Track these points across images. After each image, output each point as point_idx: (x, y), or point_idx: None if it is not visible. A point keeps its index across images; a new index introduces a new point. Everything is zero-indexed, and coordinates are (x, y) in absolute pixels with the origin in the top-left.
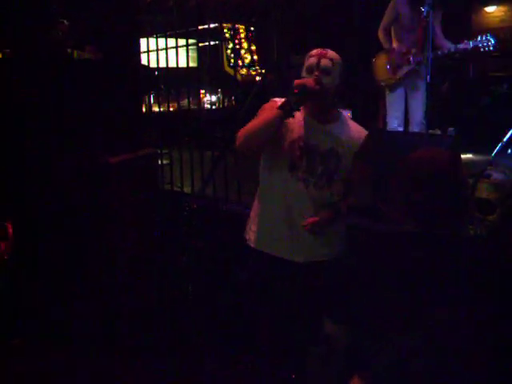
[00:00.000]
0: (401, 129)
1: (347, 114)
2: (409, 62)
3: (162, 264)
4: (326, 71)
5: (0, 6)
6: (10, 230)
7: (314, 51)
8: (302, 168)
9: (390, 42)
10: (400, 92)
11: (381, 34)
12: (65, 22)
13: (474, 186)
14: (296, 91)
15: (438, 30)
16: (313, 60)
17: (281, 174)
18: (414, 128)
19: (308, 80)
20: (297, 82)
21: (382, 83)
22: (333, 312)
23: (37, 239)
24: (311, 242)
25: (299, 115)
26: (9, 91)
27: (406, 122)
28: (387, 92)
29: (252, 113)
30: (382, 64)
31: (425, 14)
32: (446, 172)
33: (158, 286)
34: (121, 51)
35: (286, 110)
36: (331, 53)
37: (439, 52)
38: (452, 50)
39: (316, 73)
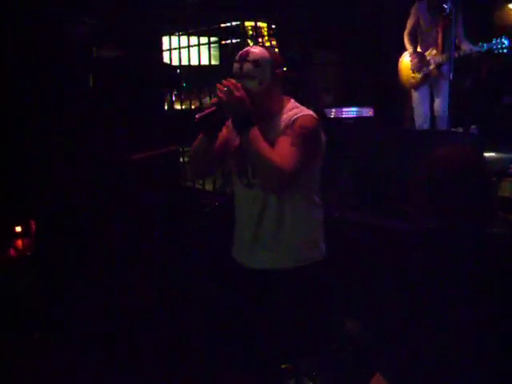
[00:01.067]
0: (426, 127)
1: (368, 112)
2: (428, 64)
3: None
4: (249, 76)
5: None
6: (33, 227)
7: (238, 55)
8: (248, 173)
9: (414, 45)
10: (424, 92)
11: (405, 38)
12: (87, 21)
13: (497, 185)
14: (197, 118)
15: (460, 31)
16: (236, 66)
17: (235, 180)
18: (440, 125)
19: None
20: (213, 101)
21: (406, 84)
22: (353, 309)
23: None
24: (251, 246)
25: None
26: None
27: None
28: (413, 92)
29: None
30: (405, 66)
31: (447, 11)
32: (473, 169)
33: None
34: (142, 49)
35: (207, 134)
36: (254, 53)
37: (456, 54)
38: (468, 51)
39: (233, 82)
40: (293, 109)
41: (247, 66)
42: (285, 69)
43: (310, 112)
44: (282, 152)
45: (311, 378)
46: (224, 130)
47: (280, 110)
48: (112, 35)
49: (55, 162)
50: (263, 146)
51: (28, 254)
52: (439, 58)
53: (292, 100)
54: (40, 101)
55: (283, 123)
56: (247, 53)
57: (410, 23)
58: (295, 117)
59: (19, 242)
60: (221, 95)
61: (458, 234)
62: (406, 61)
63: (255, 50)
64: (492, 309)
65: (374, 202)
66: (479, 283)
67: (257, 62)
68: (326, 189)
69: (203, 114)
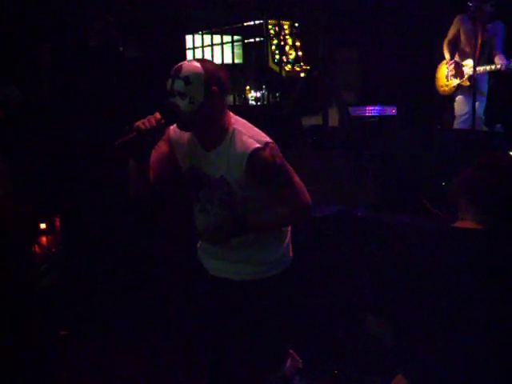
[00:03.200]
0: (466, 126)
1: (391, 110)
2: (462, 74)
3: None
4: (179, 94)
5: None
6: (58, 224)
7: (172, 69)
8: (203, 198)
9: (452, 54)
10: (462, 96)
11: (444, 46)
12: (109, 18)
13: None
14: (116, 145)
15: (498, 43)
16: (168, 82)
17: (193, 203)
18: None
19: (145, 120)
20: (136, 124)
21: (439, 90)
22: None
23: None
24: (208, 256)
25: (192, 140)
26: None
27: None
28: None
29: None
30: (441, 73)
31: (472, 9)
32: None
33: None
34: (166, 47)
35: (136, 159)
36: (186, 68)
37: (488, 67)
38: (499, 67)
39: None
40: (235, 136)
41: (178, 83)
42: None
43: (257, 142)
44: (286, 201)
45: None
46: (164, 148)
47: (224, 135)
48: (136, 35)
49: (79, 159)
50: (267, 219)
51: (53, 250)
52: (471, 71)
53: (232, 119)
54: (64, 101)
55: (232, 160)
56: (180, 68)
57: (451, 33)
58: (246, 157)
59: (44, 239)
60: (140, 125)
61: (496, 236)
62: (442, 68)
63: (188, 65)
64: None
65: (396, 201)
66: (505, 285)
67: (188, 79)
68: (349, 187)
69: (122, 140)
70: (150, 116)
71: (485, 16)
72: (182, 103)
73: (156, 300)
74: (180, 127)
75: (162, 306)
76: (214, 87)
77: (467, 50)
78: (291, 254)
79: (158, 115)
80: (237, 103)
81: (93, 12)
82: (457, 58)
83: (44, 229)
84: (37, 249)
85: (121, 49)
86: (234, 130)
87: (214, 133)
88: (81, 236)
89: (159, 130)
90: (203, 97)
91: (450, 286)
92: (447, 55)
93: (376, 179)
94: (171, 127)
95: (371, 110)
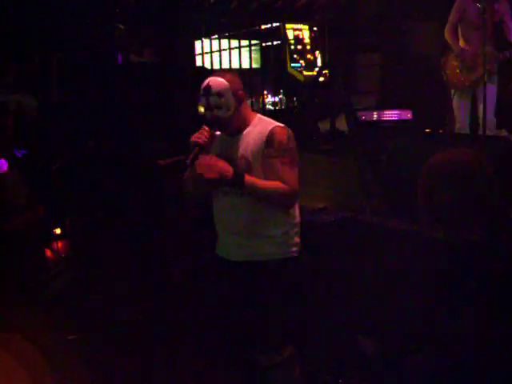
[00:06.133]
0: (467, 130)
1: (407, 114)
2: (479, 65)
3: None
4: (216, 107)
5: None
6: (69, 230)
7: (202, 88)
8: None
9: (458, 42)
10: (466, 95)
11: (448, 34)
12: (120, 26)
13: None
14: (189, 163)
15: (510, 24)
16: (202, 100)
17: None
18: (488, 130)
19: (200, 135)
20: (192, 139)
21: (451, 85)
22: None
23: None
24: (240, 242)
25: (218, 133)
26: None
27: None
28: (456, 93)
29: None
30: (452, 67)
31: None
32: (469, 172)
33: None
34: (178, 54)
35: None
36: (215, 85)
37: (509, 54)
38: None
39: (206, 128)
40: (259, 123)
41: (213, 99)
42: None
43: (277, 123)
44: (283, 177)
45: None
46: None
47: (247, 124)
48: (149, 41)
49: (88, 166)
50: (264, 185)
51: (63, 256)
52: (496, 57)
53: (258, 115)
54: (74, 108)
55: (254, 138)
56: (209, 86)
57: (453, 17)
58: (267, 132)
59: (55, 244)
60: (198, 140)
61: (465, 244)
62: (452, 61)
63: (216, 82)
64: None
65: (404, 208)
66: (488, 296)
67: (220, 93)
68: (356, 192)
69: (190, 157)
70: (201, 130)
71: None
72: (221, 112)
73: (168, 302)
74: (222, 130)
75: (173, 307)
76: (239, 92)
77: (476, 34)
78: (295, 247)
79: (206, 127)
80: (254, 108)
81: (102, 21)
82: (463, 45)
83: (59, 234)
84: (48, 253)
85: (132, 56)
86: (259, 117)
87: (240, 123)
88: (89, 241)
89: (211, 139)
90: (235, 102)
91: (450, 296)
92: (455, 45)
93: (381, 185)
94: None
95: (388, 115)
